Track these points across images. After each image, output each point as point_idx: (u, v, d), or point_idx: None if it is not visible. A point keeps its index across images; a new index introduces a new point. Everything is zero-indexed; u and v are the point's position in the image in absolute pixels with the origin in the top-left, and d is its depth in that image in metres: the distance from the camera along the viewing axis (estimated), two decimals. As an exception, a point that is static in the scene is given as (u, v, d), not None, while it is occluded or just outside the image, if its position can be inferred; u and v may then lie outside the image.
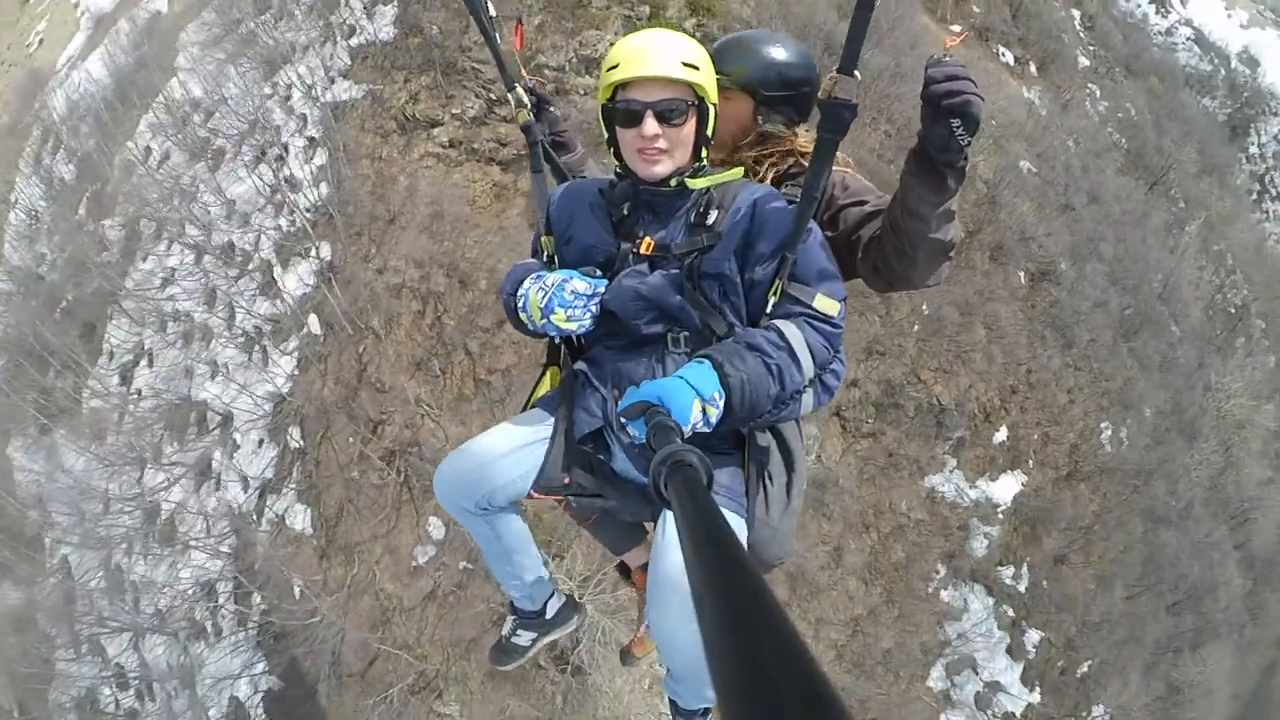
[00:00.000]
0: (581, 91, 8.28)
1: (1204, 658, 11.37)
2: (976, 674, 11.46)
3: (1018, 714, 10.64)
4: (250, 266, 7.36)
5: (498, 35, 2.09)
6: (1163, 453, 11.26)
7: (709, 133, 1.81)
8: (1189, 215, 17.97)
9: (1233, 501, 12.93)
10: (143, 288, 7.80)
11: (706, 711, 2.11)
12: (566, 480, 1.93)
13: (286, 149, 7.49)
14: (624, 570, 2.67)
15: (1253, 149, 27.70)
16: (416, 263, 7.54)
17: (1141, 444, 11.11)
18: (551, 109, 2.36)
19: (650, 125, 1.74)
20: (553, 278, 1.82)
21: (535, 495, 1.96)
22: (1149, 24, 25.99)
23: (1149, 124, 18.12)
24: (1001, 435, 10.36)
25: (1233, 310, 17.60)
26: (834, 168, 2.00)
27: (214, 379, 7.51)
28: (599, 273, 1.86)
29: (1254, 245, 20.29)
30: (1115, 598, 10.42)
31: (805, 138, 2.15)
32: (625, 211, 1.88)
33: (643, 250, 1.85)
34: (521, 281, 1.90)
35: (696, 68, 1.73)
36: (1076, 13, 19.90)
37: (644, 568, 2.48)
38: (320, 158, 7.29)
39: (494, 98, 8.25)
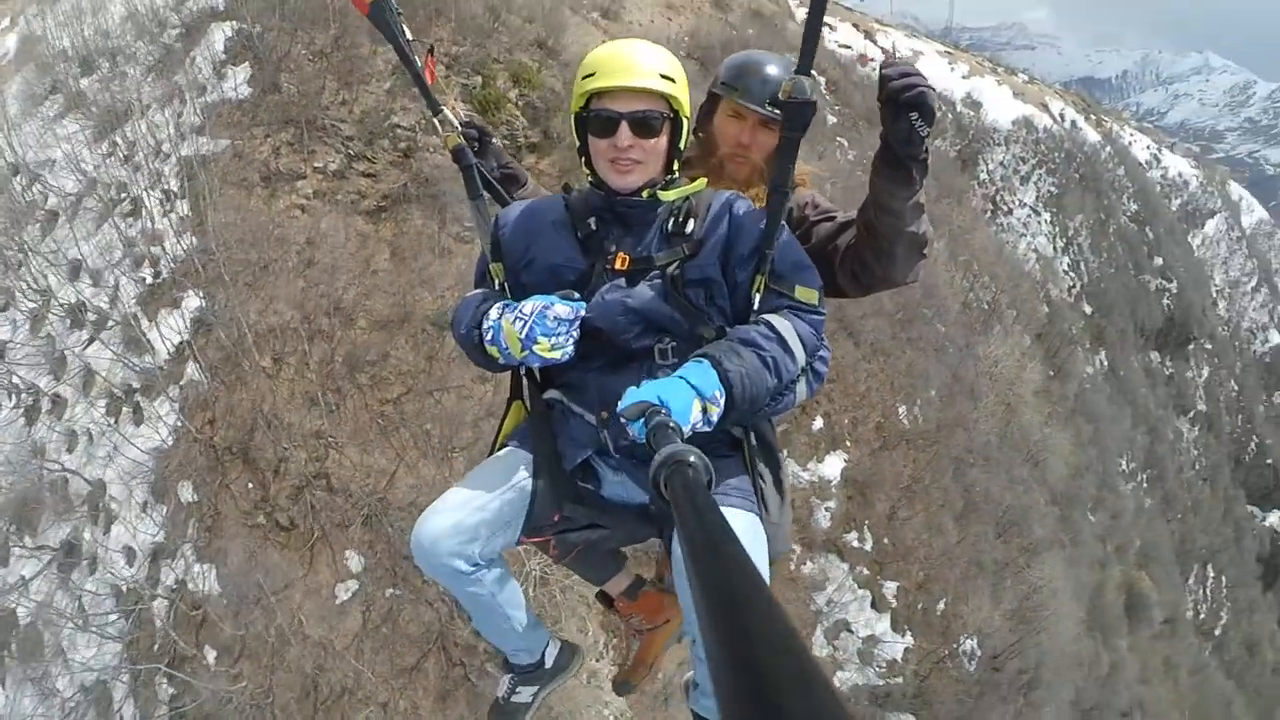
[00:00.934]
0: (431, 150, 9.16)
1: (1040, 567, 14.02)
2: (852, 633, 13.12)
3: (899, 658, 12.39)
4: (109, 324, 7.22)
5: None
6: (954, 413, 13.94)
7: (681, 145, 1.90)
8: (936, 233, 22.36)
9: (1023, 444, 16.11)
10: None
11: None
12: (556, 517, 1.94)
13: (138, 203, 7.54)
14: (606, 599, 2.69)
15: (982, 175, 34.50)
16: (296, 304, 7.86)
17: (934, 410, 13.70)
18: (493, 141, 2.45)
19: (625, 135, 1.81)
20: (530, 305, 1.80)
21: (524, 540, 1.99)
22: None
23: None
24: (818, 424, 12.34)
25: (986, 305, 21.87)
26: (801, 188, 2.23)
27: (72, 450, 7.17)
28: (576, 295, 1.86)
29: (994, 250, 25.36)
30: (948, 538, 12.62)
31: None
32: (593, 226, 1.92)
33: (618, 265, 1.89)
34: (481, 314, 1.89)
35: (673, 80, 1.82)
36: (823, 78, 24.21)
37: (626, 594, 2.58)
38: (182, 209, 7.46)
39: (353, 153, 8.89)
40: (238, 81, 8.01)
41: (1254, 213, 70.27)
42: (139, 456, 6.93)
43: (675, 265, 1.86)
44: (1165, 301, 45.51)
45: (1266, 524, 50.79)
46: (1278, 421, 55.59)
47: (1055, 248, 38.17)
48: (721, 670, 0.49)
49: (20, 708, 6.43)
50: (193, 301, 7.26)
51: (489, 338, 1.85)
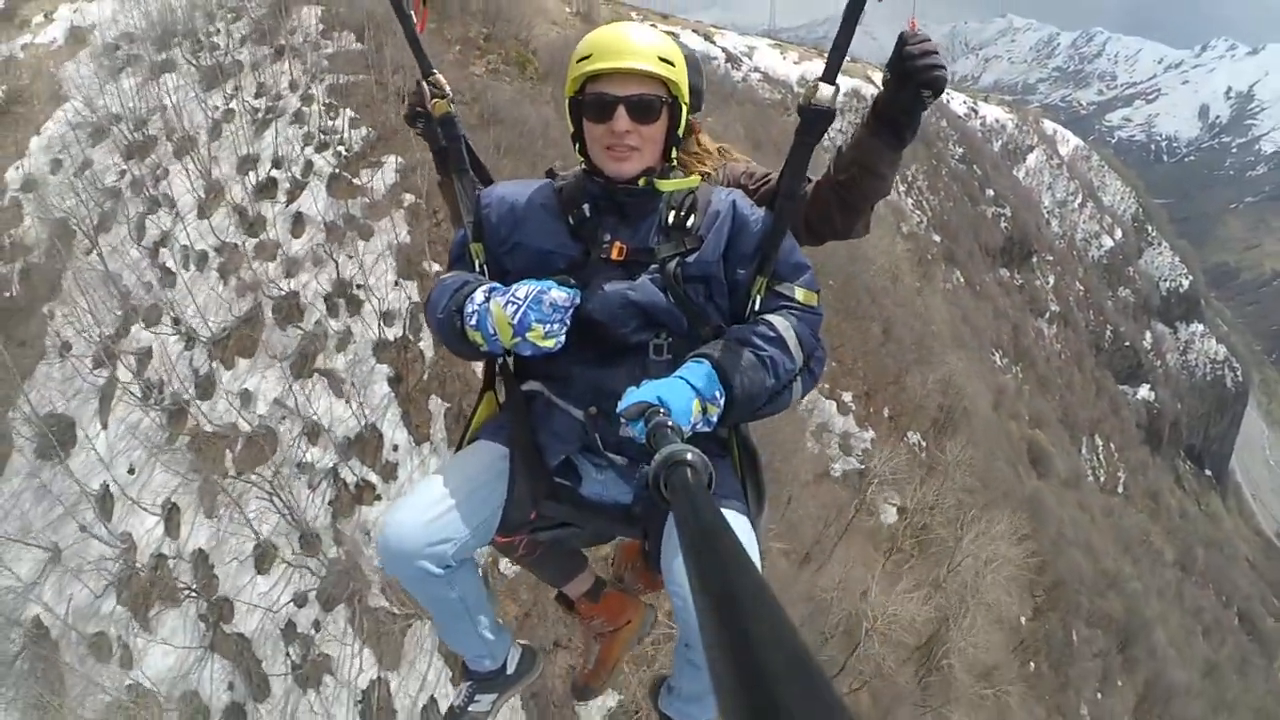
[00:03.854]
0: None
1: (948, 364, 23.01)
2: (831, 431, 21.75)
3: (868, 447, 20.91)
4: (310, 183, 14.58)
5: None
6: (855, 299, 23.07)
7: (679, 132, 1.96)
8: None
9: (910, 299, 25.26)
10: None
11: None
12: (533, 515, 2.01)
13: (301, 114, 14.62)
14: (566, 601, 2.80)
15: (824, 140, 45.87)
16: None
17: (836, 294, 22.74)
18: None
19: (622, 120, 1.87)
20: (524, 289, 1.83)
21: (499, 539, 2.08)
22: (730, 75, 42.82)
23: (747, 139, 31.92)
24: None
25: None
26: (733, 159, 2.52)
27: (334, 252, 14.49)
28: (572, 281, 1.90)
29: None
30: (880, 359, 21.49)
31: (704, 129, 2.60)
32: (586, 213, 1.98)
33: (614, 255, 1.95)
34: (463, 297, 1.91)
35: (672, 64, 1.88)
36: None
37: (587, 596, 2.73)
38: (346, 113, 15.00)
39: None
40: (347, 41, 15.26)
41: (1069, 142, 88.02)
42: (378, 248, 13.38)
43: (675, 260, 1.93)
44: (1003, 225, 58.59)
45: (1139, 397, 64.45)
46: (1126, 311, 70.51)
47: (898, 192, 49.78)
48: (722, 670, 0.53)
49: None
50: (392, 161, 13.86)
51: (472, 322, 1.86)
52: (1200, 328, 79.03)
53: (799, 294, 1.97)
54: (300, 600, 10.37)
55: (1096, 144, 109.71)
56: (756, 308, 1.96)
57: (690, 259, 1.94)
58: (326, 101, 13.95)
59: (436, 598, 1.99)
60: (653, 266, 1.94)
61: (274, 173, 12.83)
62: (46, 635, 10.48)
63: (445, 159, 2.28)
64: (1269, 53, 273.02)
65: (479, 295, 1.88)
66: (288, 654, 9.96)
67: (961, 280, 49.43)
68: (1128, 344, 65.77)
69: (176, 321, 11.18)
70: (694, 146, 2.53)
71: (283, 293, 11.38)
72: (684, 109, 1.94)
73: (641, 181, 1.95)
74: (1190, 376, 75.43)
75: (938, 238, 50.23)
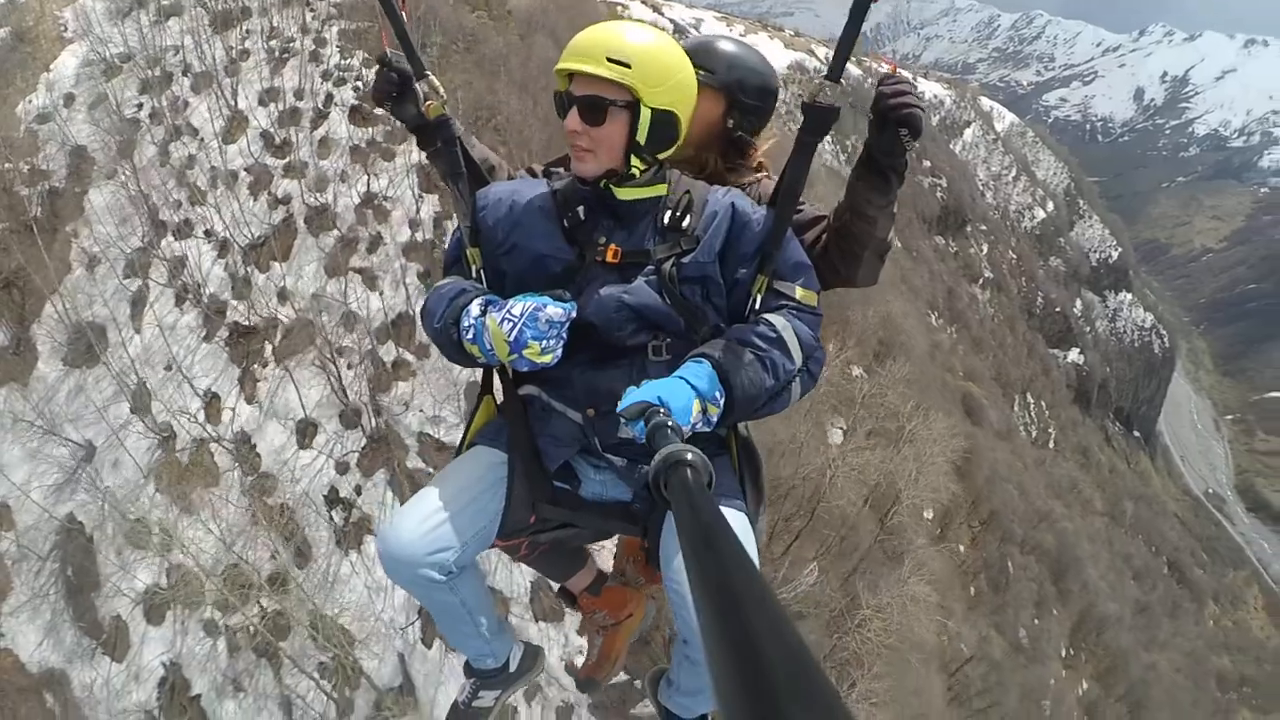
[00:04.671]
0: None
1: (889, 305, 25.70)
2: None
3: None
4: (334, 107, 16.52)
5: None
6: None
7: (640, 138, 1.94)
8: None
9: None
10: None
11: (704, 718, 2.46)
12: (533, 519, 2.09)
13: (319, 53, 16.86)
14: (568, 596, 2.93)
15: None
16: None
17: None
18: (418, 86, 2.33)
19: (572, 119, 1.92)
20: (520, 306, 1.87)
21: (498, 544, 2.15)
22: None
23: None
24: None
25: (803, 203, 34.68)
26: (765, 179, 2.49)
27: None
28: (567, 295, 1.95)
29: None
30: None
31: (763, 150, 2.58)
32: (581, 215, 2.03)
33: (609, 257, 2.00)
34: (459, 308, 1.97)
35: (627, 65, 1.86)
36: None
37: (589, 590, 2.85)
38: (359, 54, 16.96)
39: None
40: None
41: (1005, 119, 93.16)
42: (401, 168, 15.31)
43: (671, 261, 1.97)
44: (939, 195, 62.47)
45: (1069, 360, 69.34)
46: (1057, 279, 75.58)
47: (839, 160, 52.98)
48: (722, 671, 0.54)
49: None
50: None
51: (469, 336, 1.93)
52: (1128, 296, 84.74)
53: (799, 293, 2.01)
54: (342, 468, 12.21)
55: (1032, 122, 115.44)
56: (757, 307, 2.00)
57: (686, 259, 1.98)
58: (339, 44, 15.77)
59: (439, 602, 2.08)
60: (648, 268, 1.99)
61: (296, 103, 14.57)
62: (81, 530, 12.02)
63: (423, 138, 2.30)
64: (1206, 39, 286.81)
65: (475, 308, 1.94)
66: (330, 518, 11.82)
67: (899, 245, 52.74)
68: (1058, 310, 70.48)
69: (209, 233, 12.92)
70: (742, 159, 2.56)
71: (315, 204, 13.25)
72: (646, 113, 1.91)
73: (602, 184, 1.99)
74: (1119, 342, 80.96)
75: (877, 204, 53.62)
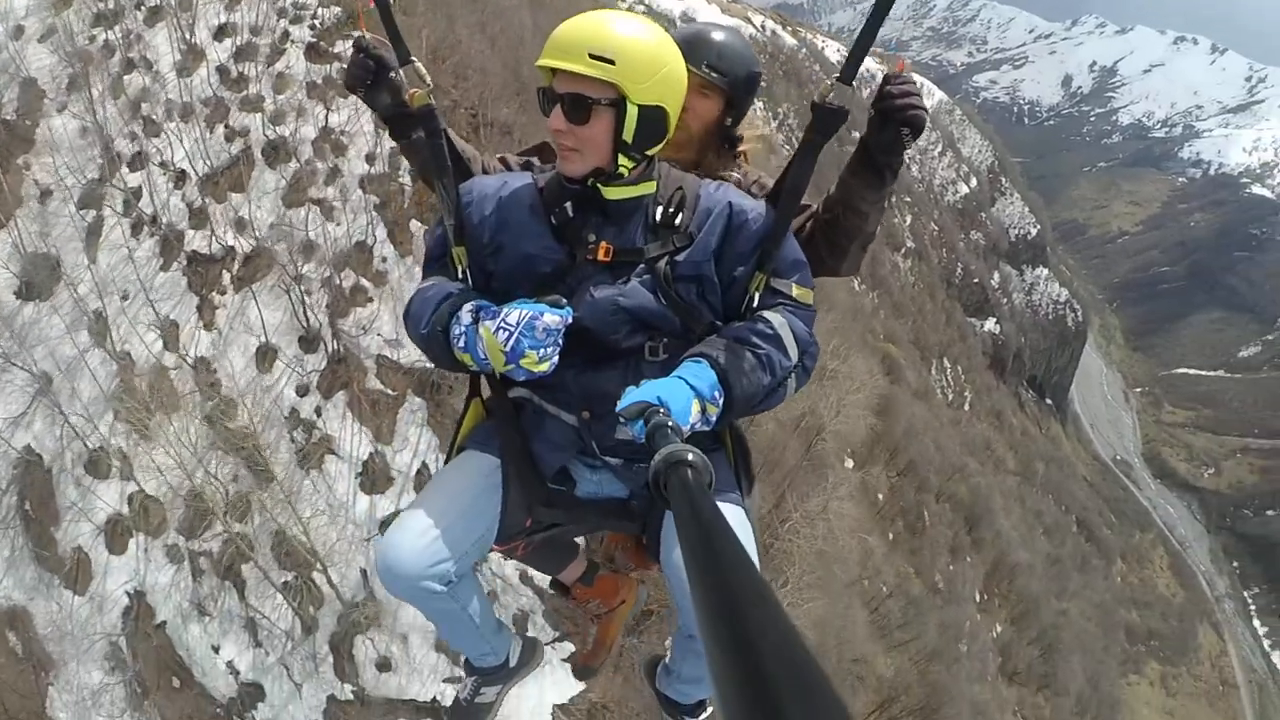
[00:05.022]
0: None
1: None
2: None
3: None
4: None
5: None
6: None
7: (627, 136, 1.89)
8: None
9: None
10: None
11: (702, 704, 2.56)
12: (529, 522, 2.14)
13: None
14: (561, 588, 2.99)
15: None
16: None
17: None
18: (393, 74, 2.30)
19: (556, 118, 1.88)
20: (515, 314, 1.84)
21: (496, 548, 2.19)
22: (612, 2, 46.40)
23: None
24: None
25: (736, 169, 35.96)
26: (747, 167, 2.56)
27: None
28: (563, 301, 1.91)
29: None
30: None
31: (750, 142, 2.64)
32: (570, 213, 2.00)
33: (600, 256, 1.97)
34: (447, 315, 1.93)
35: (610, 61, 1.81)
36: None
37: (581, 580, 2.93)
38: None
39: None
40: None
41: (934, 95, 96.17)
42: (356, 103, 16.03)
43: (665, 259, 1.96)
44: (867, 166, 64.36)
45: (985, 329, 72.96)
46: (976, 251, 79.18)
47: (770, 127, 54.72)
48: (722, 671, 0.54)
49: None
50: (362, 35, 16.70)
51: (460, 344, 1.90)
52: (1045, 271, 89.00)
53: (796, 291, 2.03)
54: (302, 391, 12.98)
55: (961, 102, 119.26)
56: (754, 304, 2.01)
57: (680, 258, 1.97)
58: None
59: (440, 610, 2.09)
60: (641, 267, 1.97)
61: (253, 39, 15.18)
62: (40, 462, 12.29)
63: (397, 129, 2.28)
64: (1136, 33, 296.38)
65: (465, 315, 1.90)
66: (291, 439, 12.67)
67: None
68: (976, 281, 73.79)
69: (164, 165, 13.54)
70: (732, 151, 2.58)
71: (273, 137, 13.98)
72: (633, 110, 1.86)
73: (589, 183, 1.96)
74: (1034, 314, 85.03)
75: (804, 171, 55.69)
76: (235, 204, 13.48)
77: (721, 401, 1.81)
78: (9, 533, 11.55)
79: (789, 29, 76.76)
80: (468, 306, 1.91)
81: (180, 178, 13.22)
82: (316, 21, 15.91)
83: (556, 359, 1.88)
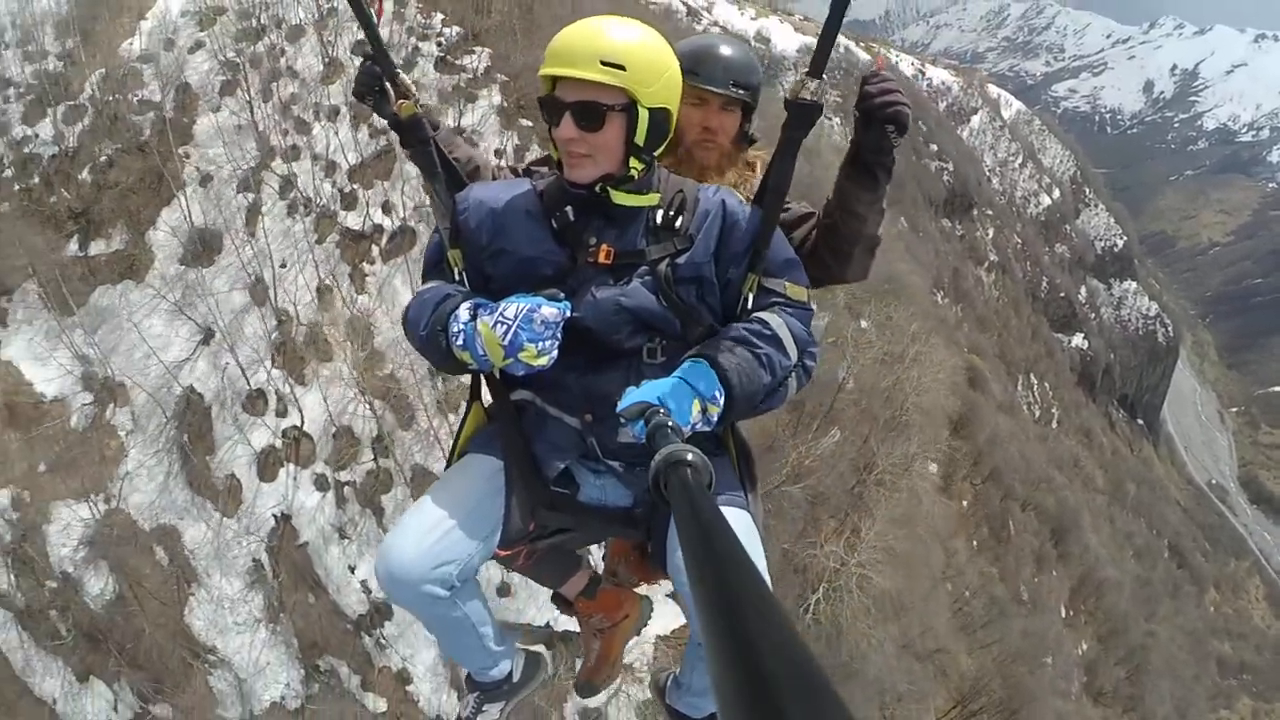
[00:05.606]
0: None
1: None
2: None
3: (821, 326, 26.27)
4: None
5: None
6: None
7: (639, 140, 1.97)
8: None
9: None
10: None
11: (714, 717, 2.45)
12: (532, 526, 2.14)
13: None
14: (563, 601, 2.99)
15: (778, 94, 51.54)
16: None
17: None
18: (433, 116, 2.44)
19: (567, 127, 1.92)
20: (514, 308, 1.89)
21: (499, 553, 2.16)
22: (693, 27, 47.95)
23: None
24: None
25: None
26: (754, 178, 2.56)
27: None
28: (561, 295, 1.97)
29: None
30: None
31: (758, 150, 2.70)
32: (570, 216, 2.05)
33: (601, 259, 2.03)
34: (445, 313, 1.98)
35: (621, 67, 1.88)
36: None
37: (584, 594, 2.92)
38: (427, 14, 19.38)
39: None
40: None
41: (1012, 106, 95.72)
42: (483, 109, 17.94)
43: (666, 261, 2.02)
44: (945, 179, 64.88)
45: (1073, 345, 71.85)
46: (1062, 265, 78.07)
47: (848, 141, 55.53)
48: (723, 672, 0.55)
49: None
50: (484, 52, 18.27)
51: (459, 342, 1.93)
52: (1133, 285, 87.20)
53: (790, 290, 2.08)
54: None
55: (1041, 112, 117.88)
56: (749, 305, 2.06)
57: (681, 260, 2.03)
58: (419, 5, 18.40)
59: (443, 618, 2.11)
60: (642, 269, 2.02)
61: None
62: (200, 400, 14.38)
63: (404, 137, 2.34)
64: (1215, 33, 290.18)
65: (463, 313, 1.94)
66: (434, 386, 14.23)
67: (905, 225, 55.29)
68: (1062, 295, 72.89)
69: (315, 157, 15.40)
70: (739, 156, 2.65)
71: None
72: (644, 114, 1.94)
73: (598, 189, 2.00)
74: (1123, 330, 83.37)
75: (883, 184, 56.04)
76: (380, 191, 15.20)
77: (722, 401, 1.86)
78: (165, 460, 13.44)
79: (862, 45, 77.38)
80: (465, 305, 1.96)
81: (330, 168, 14.98)
82: (441, 39, 17.83)
83: (555, 353, 1.91)
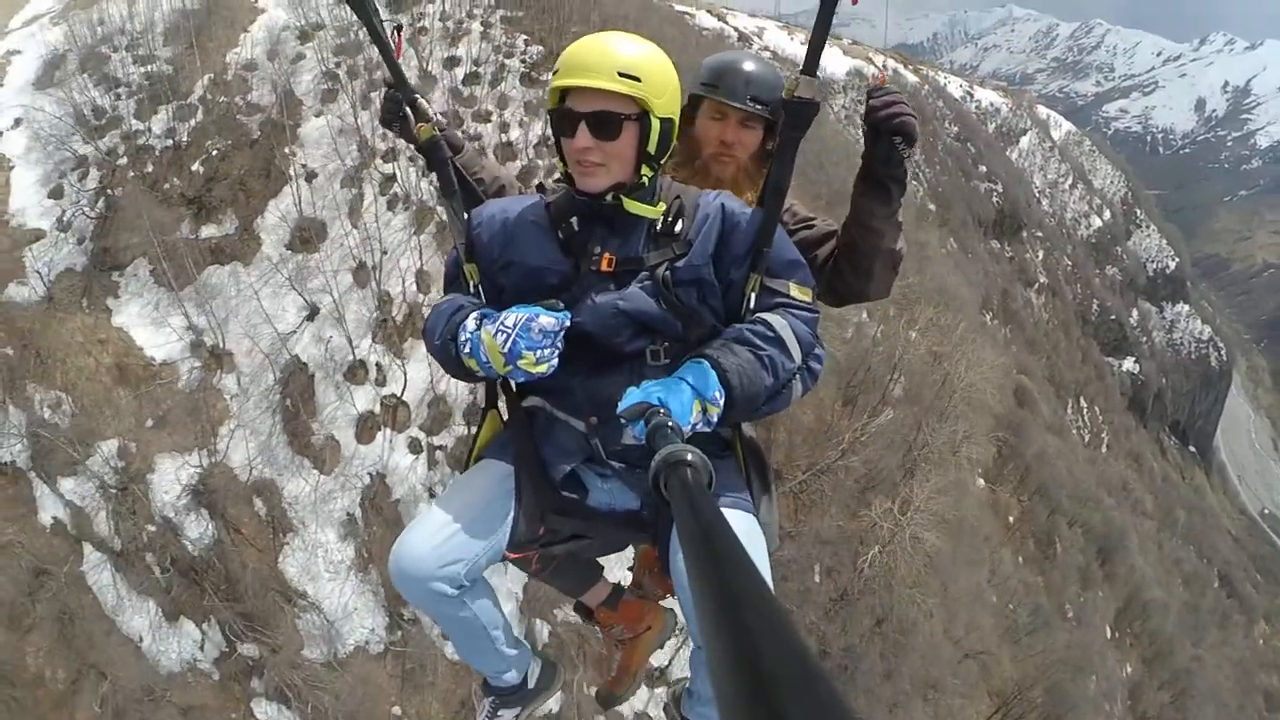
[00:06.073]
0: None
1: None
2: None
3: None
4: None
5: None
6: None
7: (651, 148, 2.07)
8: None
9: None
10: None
11: None
12: (541, 531, 2.20)
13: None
14: (585, 611, 3.02)
15: (830, 116, 52.49)
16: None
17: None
18: (458, 138, 2.59)
19: (583, 137, 2.00)
20: (513, 317, 1.97)
21: (508, 556, 2.23)
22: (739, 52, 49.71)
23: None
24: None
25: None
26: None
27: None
28: (561, 305, 2.04)
29: (851, 166, 42.28)
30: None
31: None
32: (575, 227, 2.15)
33: (604, 266, 2.12)
34: (456, 325, 2.08)
35: (637, 78, 1.98)
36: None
37: (606, 604, 2.96)
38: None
39: None
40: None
41: (1062, 127, 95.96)
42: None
43: (665, 266, 2.09)
44: (994, 200, 65.71)
45: (1124, 369, 71.70)
46: (1112, 287, 78.01)
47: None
48: (722, 673, 0.55)
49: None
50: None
51: (466, 350, 2.03)
52: (1185, 308, 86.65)
53: (794, 291, 2.13)
54: None
55: (1092, 133, 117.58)
56: (752, 306, 2.12)
57: (680, 263, 2.09)
58: (503, 26, 20.13)
59: (452, 617, 2.19)
60: (642, 274, 2.10)
61: (475, 68, 18.99)
62: (304, 369, 15.87)
63: (430, 159, 2.44)
64: (1266, 48, 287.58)
65: (470, 323, 2.04)
66: None
67: (955, 246, 56.07)
68: (1113, 318, 72.83)
69: (413, 159, 17.04)
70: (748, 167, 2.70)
71: (502, 140, 17.43)
72: (657, 123, 2.03)
73: (609, 198, 2.08)
74: (1175, 354, 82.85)
75: (933, 206, 56.95)
76: (474, 189, 16.84)
77: (722, 402, 1.91)
78: (269, 421, 14.92)
79: (910, 68, 78.49)
80: (474, 315, 2.05)
81: (425, 169, 16.70)
82: (525, 57, 19.53)
83: (556, 361, 1.99)
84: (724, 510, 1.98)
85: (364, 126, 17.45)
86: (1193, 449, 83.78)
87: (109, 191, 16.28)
